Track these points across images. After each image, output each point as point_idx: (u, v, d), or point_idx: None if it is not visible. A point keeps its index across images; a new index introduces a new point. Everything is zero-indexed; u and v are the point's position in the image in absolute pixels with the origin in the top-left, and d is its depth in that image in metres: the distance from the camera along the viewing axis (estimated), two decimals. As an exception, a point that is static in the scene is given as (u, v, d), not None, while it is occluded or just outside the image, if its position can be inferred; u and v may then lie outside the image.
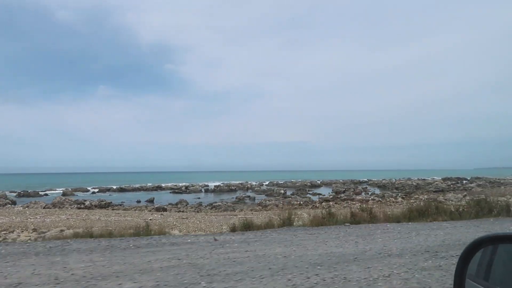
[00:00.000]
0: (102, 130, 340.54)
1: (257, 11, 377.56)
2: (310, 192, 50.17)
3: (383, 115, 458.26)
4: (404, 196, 37.49)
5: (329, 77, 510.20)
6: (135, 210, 27.51)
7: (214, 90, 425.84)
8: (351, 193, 45.06)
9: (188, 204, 34.09)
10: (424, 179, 70.29)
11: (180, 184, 59.38)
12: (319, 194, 46.39)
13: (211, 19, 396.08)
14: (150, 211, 25.78)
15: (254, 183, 67.00)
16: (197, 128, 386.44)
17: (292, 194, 45.22)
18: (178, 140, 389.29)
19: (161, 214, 24.83)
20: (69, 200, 31.45)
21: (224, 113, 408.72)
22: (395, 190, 49.98)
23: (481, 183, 51.64)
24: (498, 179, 59.93)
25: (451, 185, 49.22)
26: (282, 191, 44.72)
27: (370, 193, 46.28)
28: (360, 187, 55.88)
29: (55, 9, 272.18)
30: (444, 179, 67.26)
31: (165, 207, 28.80)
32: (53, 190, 53.40)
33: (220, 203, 31.01)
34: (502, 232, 1.93)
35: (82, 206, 28.73)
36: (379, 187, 60.76)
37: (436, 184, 51.39)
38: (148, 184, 61.52)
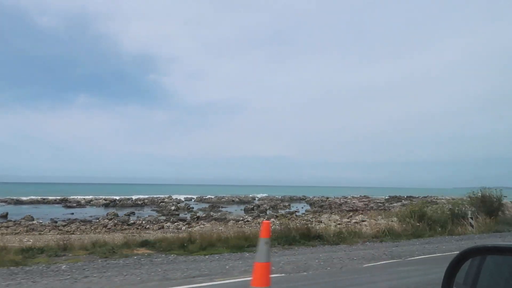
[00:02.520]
0: (81, 139, 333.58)
1: (243, 24, 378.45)
2: (223, 208, 45.45)
3: (367, 132, 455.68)
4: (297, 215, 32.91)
5: (313, 92, 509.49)
6: None
7: (198, 102, 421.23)
8: (257, 211, 40.79)
9: (31, 220, 29.10)
10: (366, 197, 65.76)
11: (84, 197, 54.14)
12: (228, 212, 41.81)
13: (196, 30, 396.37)
14: None
15: (181, 198, 62.10)
16: (180, 140, 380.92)
17: (195, 210, 40.60)
18: (160, 152, 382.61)
19: None
20: None
21: (207, 125, 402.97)
22: (317, 208, 45.73)
23: (406, 202, 47.25)
24: (436, 198, 55.53)
25: (368, 204, 44.66)
26: (173, 208, 39.81)
27: (284, 211, 41.94)
28: (282, 204, 51.43)
29: (35, 15, 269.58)
30: (389, 198, 62.85)
31: None
32: None
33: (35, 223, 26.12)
34: (490, 243, 1.97)
35: None
36: (310, 204, 56.58)
37: (354, 203, 46.78)
38: (57, 196, 55.99)
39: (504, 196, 19.27)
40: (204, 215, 32.35)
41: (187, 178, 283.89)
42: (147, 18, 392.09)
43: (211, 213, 37.46)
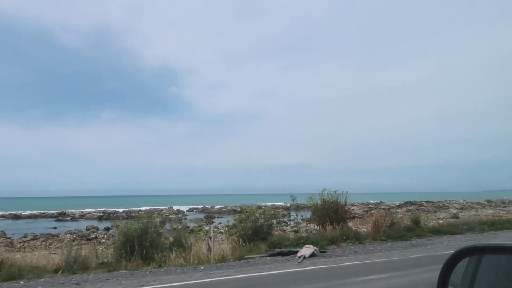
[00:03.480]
0: (106, 153, 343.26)
1: (260, 33, 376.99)
2: (217, 219, 43.80)
3: (389, 136, 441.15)
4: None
5: (329, 98, 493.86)
6: None
7: (217, 113, 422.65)
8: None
9: (3, 236, 28.31)
10: (380, 202, 62.18)
11: (82, 211, 53.64)
12: (218, 222, 40.06)
13: (214, 41, 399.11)
14: None
15: (184, 209, 60.87)
16: (201, 151, 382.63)
17: (183, 223, 38.92)
18: (182, 163, 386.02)
19: None
20: None
21: (227, 135, 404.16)
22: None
23: (410, 207, 43.92)
24: (449, 202, 51.78)
25: (368, 211, 41.54)
26: (158, 219, 38.21)
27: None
28: (281, 213, 48.97)
29: (59, 34, 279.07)
30: (402, 204, 59.07)
31: None
32: None
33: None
34: (487, 243, 1.94)
35: None
36: (313, 212, 53.96)
37: (352, 210, 43.78)
38: (57, 210, 55.76)
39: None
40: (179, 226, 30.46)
41: (207, 188, 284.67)
42: (166, 32, 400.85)
43: (189, 224, 35.80)
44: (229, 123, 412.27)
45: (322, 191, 15.16)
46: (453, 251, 1.98)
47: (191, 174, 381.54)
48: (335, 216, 14.33)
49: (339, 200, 15.04)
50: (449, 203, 50.49)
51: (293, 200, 16.28)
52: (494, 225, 19.62)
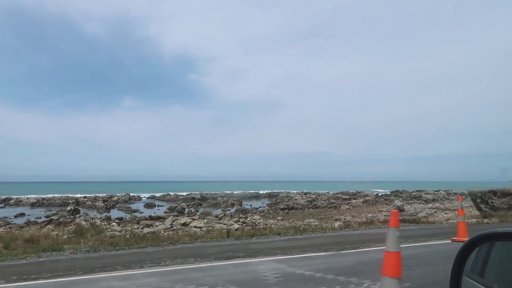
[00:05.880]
0: (127, 140, 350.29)
1: (279, 20, 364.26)
2: (156, 206, 39.62)
3: (411, 125, 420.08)
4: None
5: (349, 87, 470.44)
6: None
7: (237, 100, 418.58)
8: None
9: None
10: (358, 192, 55.60)
11: (28, 196, 50.35)
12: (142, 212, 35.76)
13: (234, 29, 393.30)
14: None
15: (142, 195, 57.26)
16: (220, 138, 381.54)
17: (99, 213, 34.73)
18: (202, 150, 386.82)
19: None
20: None
21: (246, 123, 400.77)
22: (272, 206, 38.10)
23: (368, 198, 37.50)
24: (427, 192, 44.95)
25: (312, 201, 35.56)
26: (69, 208, 34.03)
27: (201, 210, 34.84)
28: (231, 202, 44.02)
29: (81, 22, 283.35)
30: (392, 192, 52.28)
31: None
32: None
33: None
34: (500, 229, 1.88)
35: None
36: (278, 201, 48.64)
37: (296, 200, 37.96)
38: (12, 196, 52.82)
39: None
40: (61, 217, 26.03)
41: (223, 175, 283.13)
42: (186, 20, 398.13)
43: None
44: (248, 110, 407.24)
45: None
46: (467, 239, 1.88)
47: (210, 161, 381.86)
48: None
49: None
50: (427, 193, 43.68)
51: None
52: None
